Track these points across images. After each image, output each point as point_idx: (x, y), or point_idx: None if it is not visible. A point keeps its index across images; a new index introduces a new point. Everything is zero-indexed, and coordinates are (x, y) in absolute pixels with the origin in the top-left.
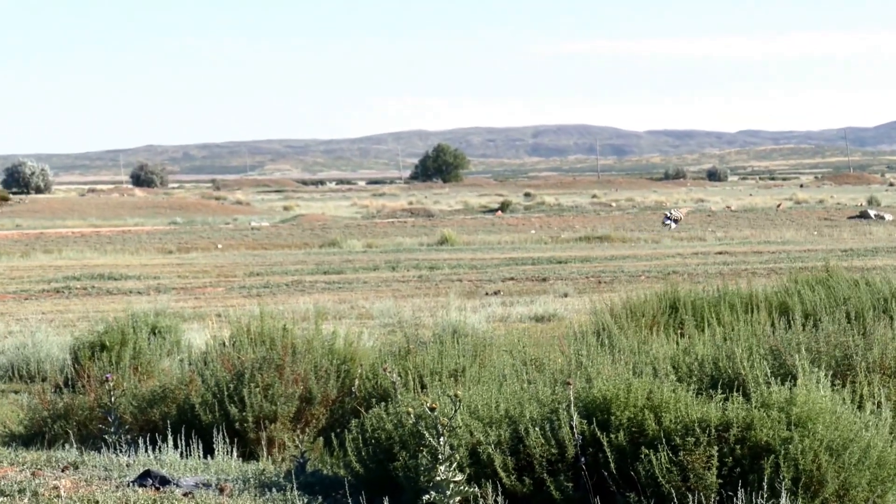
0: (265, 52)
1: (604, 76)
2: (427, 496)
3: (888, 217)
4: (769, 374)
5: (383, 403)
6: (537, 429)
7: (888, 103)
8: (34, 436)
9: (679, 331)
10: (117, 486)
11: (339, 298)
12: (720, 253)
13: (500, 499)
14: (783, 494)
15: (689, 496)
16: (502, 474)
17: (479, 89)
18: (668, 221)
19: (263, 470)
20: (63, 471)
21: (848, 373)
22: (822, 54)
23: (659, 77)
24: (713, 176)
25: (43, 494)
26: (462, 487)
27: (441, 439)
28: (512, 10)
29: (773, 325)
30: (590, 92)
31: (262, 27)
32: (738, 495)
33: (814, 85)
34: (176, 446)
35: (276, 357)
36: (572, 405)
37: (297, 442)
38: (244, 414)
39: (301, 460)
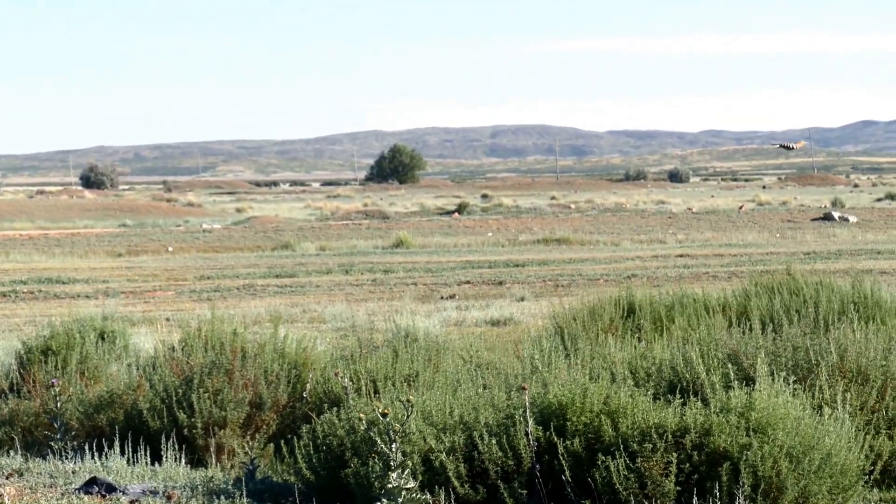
0: (218, 51)
1: (564, 76)
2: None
3: (852, 219)
4: (731, 379)
5: (335, 409)
6: (492, 435)
7: (853, 103)
8: None
9: (637, 335)
10: (63, 494)
11: (292, 302)
12: (680, 256)
13: None
14: (741, 501)
15: (647, 503)
16: (455, 482)
17: (437, 89)
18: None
19: (212, 477)
20: (7, 478)
21: (809, 378)
22: (787, 54)
23: (620, 77)
24: (674, 177)
25: None
26: (414, 495)
27: (393, 446)
28: (468, 10)
29: (732, 329)
30: (549, 92)
31: (215, 26)
32: (696, 502)
33: (778, 84)
34: (123, 453)
35: (226, 362)
36: (528, 411)
37: (247, 448)
38: (193, 420)
39: (251, 467)
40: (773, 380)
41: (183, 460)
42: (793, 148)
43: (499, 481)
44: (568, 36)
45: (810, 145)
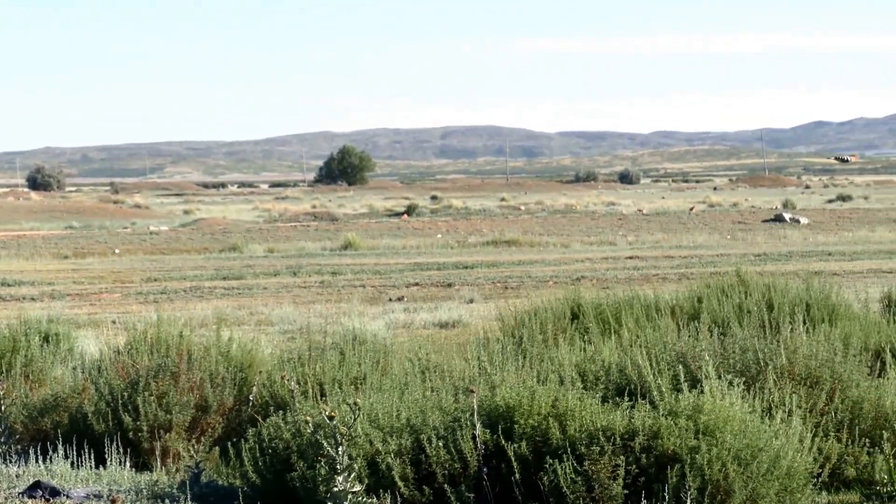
0: (167, 51)
1: (515, 76)
2: None
3: (803, 220)
4: (680, 381)
5: (281, 412)
6: (439, 438)
7: (806, 104)
8: None
9: (586, 337)
10: (6, 498)
11: (239, 304)
12: (630, 257)
13: None
14: None
15: None
16: (401, 484)
17: (387, 90)
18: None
19: (157, 481)
20: None
21: (758, 380)
22: (739, 54)
23: (571, 77)
24: (625, 178)
25: None
26: (360, 498)
27: (340, 449)
28: (419, 12)
29: (681, 331)
30: (500, 92)
31: (162, 26)
32: None
33: (730, 85)
34: (67, 456)
35: (172, 364)
36: (475, 413)
37: (193, 452)
38: (138, 423)
39: (196, 470)
40: (721, 382)
41: (128, 464)
42: (847, 160)
43: (446, 484)
44: (518, 36)
45: (762, 146)
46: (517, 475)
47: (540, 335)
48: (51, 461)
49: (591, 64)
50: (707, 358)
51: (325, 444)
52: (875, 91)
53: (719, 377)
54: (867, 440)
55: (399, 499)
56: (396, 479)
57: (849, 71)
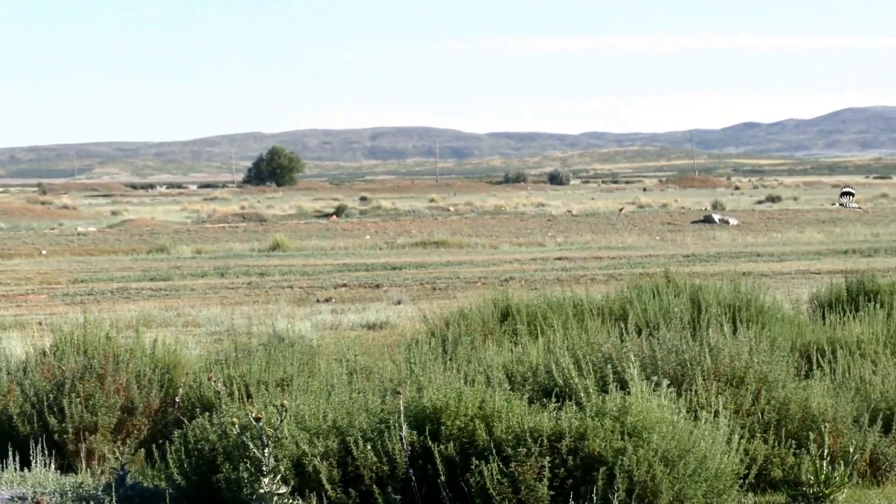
0: (95, 51)
1: (445, 77)
2: None
3: (733, 221)
4: (607, 383)
5: (208, 414)
6: (366, 440)
7: (736, 105)
8: None
9: (514, 338)
10: None
11: (166, 306)
12: (559, 258)
13: None
14: None
15: None
16: (328, 486)
17: (316, 90)
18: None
19: (82, 483)
20: None
21: (685, 381)
22: (669, 55)
23: (501, 78)
24: (555, 179)
25: None
26: (286, 500)
27: (266, 450)
28: (349, 12)
29: (609, 332)
30: (430, 93)
31: (92, 25)
32: None
33: (660, 86)
34: None
35: (98, 366)
36: (402, 415)
37: (118, 453)
38: (64, 425)
39: (121, 472)
40: (649, 384)
41: (53, 466)
42: (853, 194)
43: (373, 486)
44: (447, 36)
45: (692, 147)
46: (443, 477)
47: (467, 336)
48: None
49: (520, 65)
50: (634, 359)
51: (251, 445)
52: (805, 93)
53: (647, 379)
54: (794, 441)
55: (326, 501)
56: (323, 480)
57: (779, 72)
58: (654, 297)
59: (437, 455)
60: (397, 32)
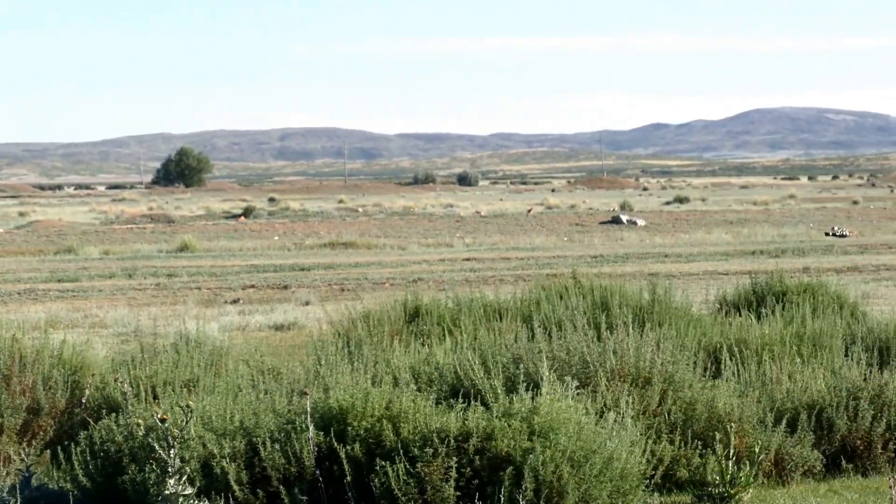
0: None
1: (353, 78)
2: None
3: (640, 222)
4: (515, 383)
5: (114, 415)
6: (273, 441)
7: (644, 107)
8: None
9: (421, 339)
10: None
11: (73, 307)
12: (467, 259)
13: None
14: None
15: None
16: (235, 487)
17: (225, 91)
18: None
19: None
20: None
21: (592, 382)
22: (579, 55)
23: (410, 78)
24: (463, 180)
25: None
26: (192, 501)
27: (171, 451)
28: (256, 10)
29: (517, 333)
30: (339, 94)
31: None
32: None
33: (569, 87)
34: None
35: (3, 367)
36: (309, 416)
37: (24, 455)
38: None
39: (26, 474)
40: (556, 384)
41: None
42: (846, 236)
43: (280, 487)
44: (357, 37)
45: (601, 148)
46: (350, 477)
47: (375, 337)
48: None
49: (429, 66)
50: (542, 360)
51: (157, 446)
52: (713, 94)
53: (557, 379)
54: (700, 441)
55: (233, 501)
56: (231, 481)
57: (688, 73)
58: (561, 298)
59: (342, 456)
60: (304, 33)
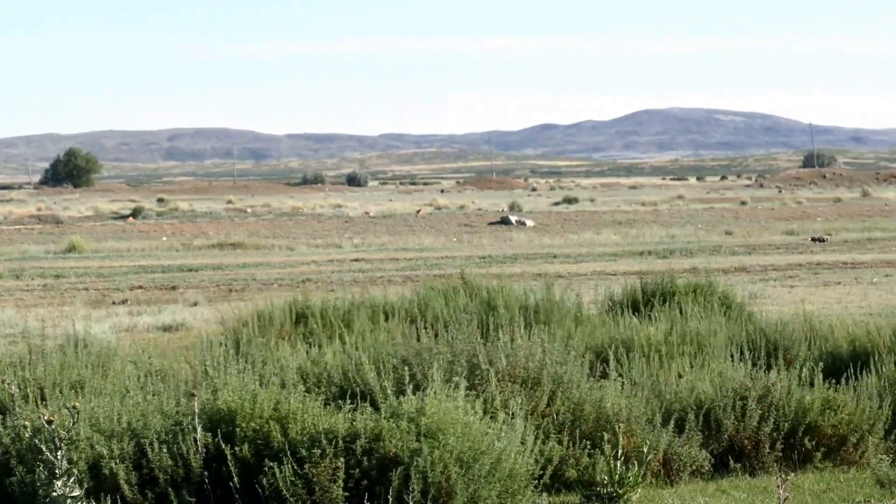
0: None
1: (244, 78)
2: None
3: (529, 223)
4: (404, 384)
5: (1, 417)
6: (161, 443)
7: (534, 107)
8: None
9: (310, 340)
10: None
11: None
12: (356, 260)
13: None
14: None
15: None
16: (125, 488)
17: (114, 91)
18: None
19: None
20: None
21: (482, 382)
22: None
23: (301, 79)
24: (353, 181)
25: None
26: (80, 503)
27: (59, 453)
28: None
29: (406, 334)
30: (229, 95)
31: None
32: None
33: (459, 88)
34: None
35: None
36: (197, 417)
37: None
38: None
39: None
40: (445, 385)
41: None
42: (825, 240)
43: (169, 488)
44: (247, 38)
45: (490, 149)
46: (237, 478)
47: (263, 338)
48: None
49: (319, 67)
50: (430, 360)
51: (44, 448)
52: (602, 94)
53: (446, 380)
54: (589, 441)
55: (121, 503)
56: (120, 483)
57: (577, 74)
58: (450, 298)
59: (229, 457)
60: (194, 33)
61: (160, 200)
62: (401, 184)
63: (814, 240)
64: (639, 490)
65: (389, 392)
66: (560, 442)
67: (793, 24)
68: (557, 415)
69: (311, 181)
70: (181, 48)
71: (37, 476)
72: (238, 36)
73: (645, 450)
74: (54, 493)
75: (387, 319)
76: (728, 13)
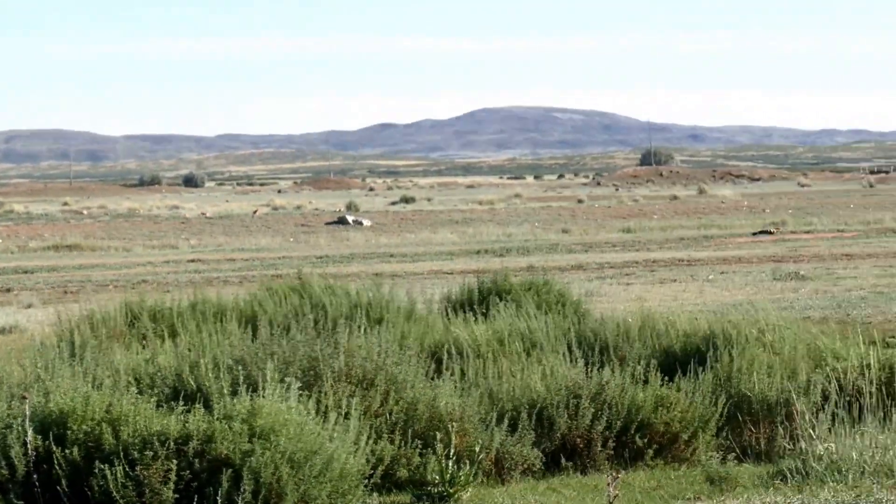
0: None
1: (80, 80)
2: None
3: (367, 223)
4: (238, 385)
5: None
6: None
7: (372, 107)
8: None
9: (144, 341)
10: None
11: None
12: (192, 261)
13: None
14: None
15: None
16: None
17: None
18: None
19: None
20: None
21: (317, 383)
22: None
23: (137, 80)
24: (190, 182)
25: None
26: None
27: None
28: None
29: (242, 334)
30: (65, 95)
31: None
32: None
33: (297, 88)
34: None
35: None
36: (27, 419)
37: None
38: None
39: None
40: (280, 385)
41: None
42: (773, 232)
43: None
44: (82, 40)
45: (328, 149)
46: (65, 481)
47: (96, 340)
48: None
49: (155, 67)
50: (267, 361)
51: None
52: (441, 94)
53: (282, 381)
54: (420, 441)
55: None
56: None
57: (415, 73)
58: (285, 298)
59: (57, 459)
60: (29, 33)
61: None
62: (238, 184)
63: (762, 232)
64: (469, 489)
65: (224, 392)
66: (392, 441)
67: (630, 22)
68: (391, 414)
69: (148, 182)
70: (15, 49)
71: None
72: (72, 36)
73: (477, 449)
74: None
75: (222, 320)
76: (560, 12)
